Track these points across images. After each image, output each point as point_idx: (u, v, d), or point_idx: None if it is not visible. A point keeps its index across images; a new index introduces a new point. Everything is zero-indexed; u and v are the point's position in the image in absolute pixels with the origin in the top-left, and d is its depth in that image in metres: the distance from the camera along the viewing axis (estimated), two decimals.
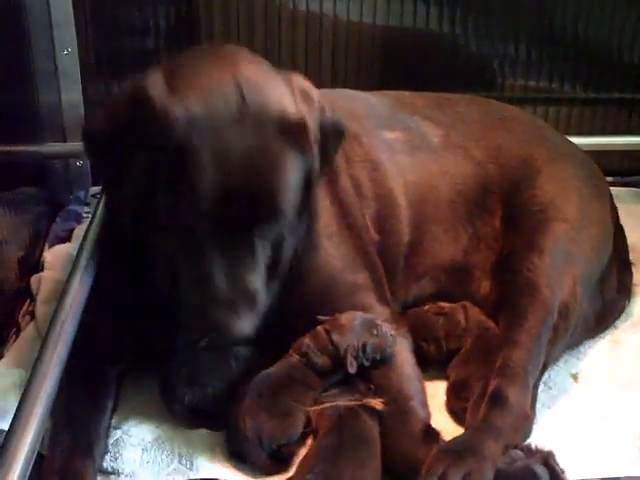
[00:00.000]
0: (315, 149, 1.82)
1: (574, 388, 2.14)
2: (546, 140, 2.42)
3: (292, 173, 1.76)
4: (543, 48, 3.20)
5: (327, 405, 1.88)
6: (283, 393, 1.89)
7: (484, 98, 2.59)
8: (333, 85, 3.02)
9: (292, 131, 1.74)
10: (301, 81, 1.87)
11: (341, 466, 1.75)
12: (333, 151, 1.95)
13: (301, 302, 2.02)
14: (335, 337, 1.93)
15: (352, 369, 1.92)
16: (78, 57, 2.87)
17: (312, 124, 1.81)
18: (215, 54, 1.85)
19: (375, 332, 1.94)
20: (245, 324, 1.72)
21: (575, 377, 2.18)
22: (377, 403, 1.87)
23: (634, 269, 2.47)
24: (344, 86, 2.88)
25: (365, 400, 1.88)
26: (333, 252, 2.08)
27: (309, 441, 1.90)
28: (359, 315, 1.99)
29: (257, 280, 1.75)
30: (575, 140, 2.59)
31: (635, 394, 2.11)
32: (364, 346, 1.92)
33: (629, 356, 2.25)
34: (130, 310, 1.97)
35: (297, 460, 1.84)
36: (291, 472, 1.82)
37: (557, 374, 2.17)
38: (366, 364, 1.93)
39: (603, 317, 2.30)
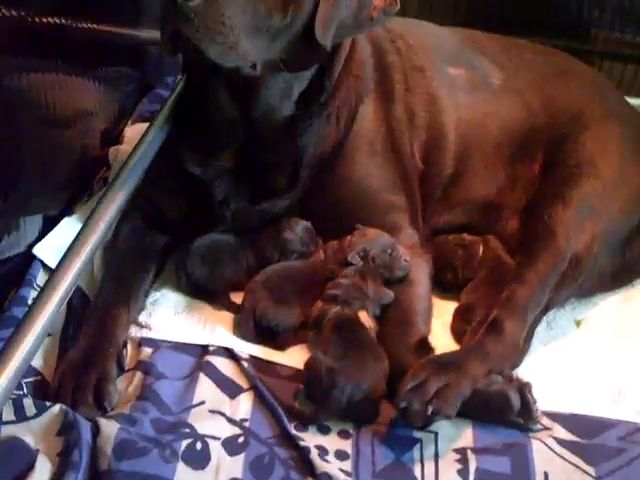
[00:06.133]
0: None
1: (574, 332, 2.29)
2: (601, 98, 2.51)
3: None
4: None
5: (331, 308, 2.06)
6: (289, 284, 2.13)
7: (552, 48, 2.68)
8: (418, 14, 3.12)
9: None
10: None
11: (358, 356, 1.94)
12: None
13: (337, 210, 2.24)
14: (354, 239, 2.14)
15: (353, 260, 2.11)
16: None
17: None
18: None
19: (390, 252, 2.12)
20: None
21: (578, 323, 2.32)
22: (369, 321, 2.06)
23: None
24: (430, 17, 2.99)
25: (360, 313, 2.07)
26: (373, 170, 2.27)
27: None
28: (385, 235, 2.18)
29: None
30: None
31: (630, 346, 2.24)
32: (373, 257, 2.11)
33: (636, 312, 2.37)
34: (180, 180, 2.24)
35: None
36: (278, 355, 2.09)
37: (562, 317, 2.31)
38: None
39: (621, 275, 2.41)
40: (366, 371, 1.91)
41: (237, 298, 2.19)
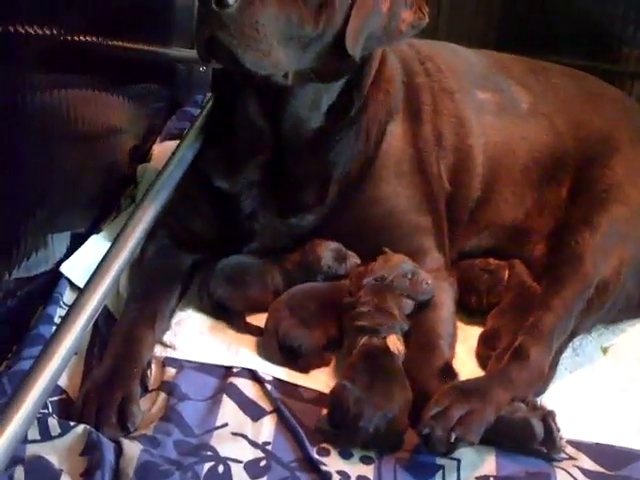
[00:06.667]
0: None
1: (601, 360, 2.27)
2: (631, 122, 2.50)
3: None
4: None
5: (360, 339, 2.04)
6: (313, 304, 2.12)
7: (580, 71, 2.66)
8: (448, 34, 3.13)
9: None
10: None
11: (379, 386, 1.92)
12: None
13: (363, 229, 2.25)
14: (376, 266, 2.13)
15: (367, 285, 2.08)
16: None
17: None
18: None
19: (410, 276, 2.11)
20: None
21: (605, 350, 2.29)
22: (397, 346, 2.03)
23: None
24: (458, 38, 2.99)
25: (389, 339, 2.03)
26: (401, 190, 2.28)
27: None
28: (408, 261, 2.16)
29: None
30: None
31: None
32: (392, 281, 2.10)
33: None
34: (208, 195, 2.26)
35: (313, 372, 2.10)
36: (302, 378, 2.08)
37: (588, 344, 2.29)
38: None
39: None
40: (392, 402, 1.89)
41: (262, 319, 2.19)
